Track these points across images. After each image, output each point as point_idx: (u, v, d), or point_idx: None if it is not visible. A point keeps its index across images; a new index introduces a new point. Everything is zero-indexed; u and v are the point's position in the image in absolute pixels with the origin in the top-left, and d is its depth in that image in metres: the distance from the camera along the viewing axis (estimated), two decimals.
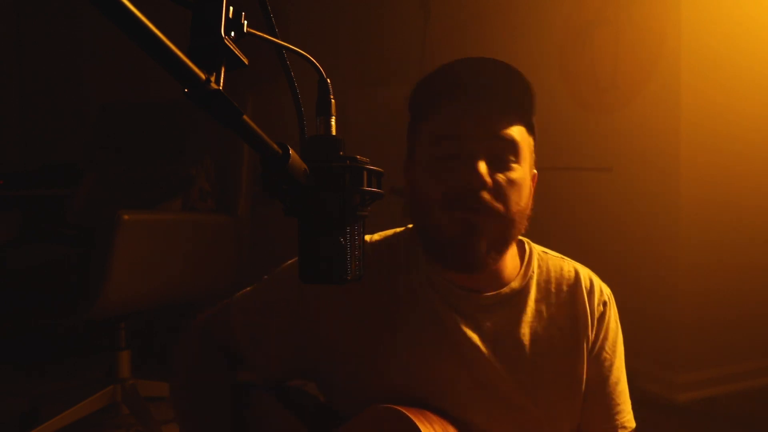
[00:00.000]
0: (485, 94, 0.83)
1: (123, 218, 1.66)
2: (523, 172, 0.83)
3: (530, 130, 0.86)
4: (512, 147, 0.82)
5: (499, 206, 0.81)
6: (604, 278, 0.96)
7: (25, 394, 2.17)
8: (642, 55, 2.06)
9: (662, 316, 2.02)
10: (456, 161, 0.81)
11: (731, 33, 2.03)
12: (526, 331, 0.88)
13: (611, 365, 0.91)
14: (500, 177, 0.81)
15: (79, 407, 1.85)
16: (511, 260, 0.91)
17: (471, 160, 0.80)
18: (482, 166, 0.79)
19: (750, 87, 2.08)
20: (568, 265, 0.94)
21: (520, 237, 0.95)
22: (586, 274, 0.94)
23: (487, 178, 0.79)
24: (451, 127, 0.83)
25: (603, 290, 0.94)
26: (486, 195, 0.80)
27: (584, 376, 0.90)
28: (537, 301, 0.90)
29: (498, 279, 0.89)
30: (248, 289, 0.97)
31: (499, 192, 0.81)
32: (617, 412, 0.91)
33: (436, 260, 0.87)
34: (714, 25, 2.00)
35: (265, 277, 0.96)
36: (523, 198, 0.83)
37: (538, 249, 0.95)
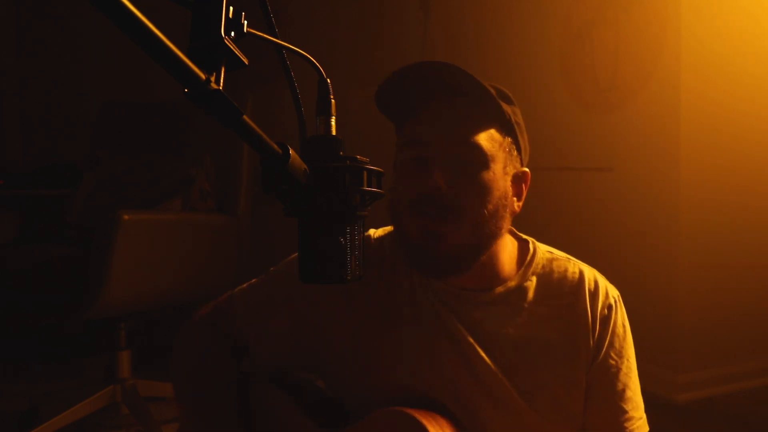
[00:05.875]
0: (447, 100, 0.84)
1: (123, 218, 1.66)
2: (492, 174, 0.82)
3: (504, 130, 0.85)
4: (476, 151, 0.81)
5: (460, 210, 0.80)
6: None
7: (25, 394, 2.17)
8: (642, 55, 2.06)
9: (662, 316, 2.02)
10: (418, 166, 0.82)
11: (731, 33, 2.03)
12: (522, 332, 0.86)
13: (618, 371, 0.87)
14: (462, 181, 0.81)
15: (79, 407, 1.84)
16: (508, 259, 0.89)
17: (429, 166, 0.81)
18: (438, 171, 0.80)
19: (750, 87, 2.08)
20: (573, 267, 0.91)
21: (525, 236, 0.94)
22: (591, 275, 0.90)
23: (441, 183, 0.79)
24: (415, 132, 0.84)
25: (609, 293, 0.90)
26: (443, 200, 0.79)
27: (584, 382, 0.87)
28: (536, 302, 0.88)
29: (494, 278, 0.88)
30: (254, 280, 0.97)
31: (460, 196, 0.80)
32: (625, 420, 0.87)
33: (407, 263, 0.87)
34: (714, 25, 2.00)
35: (272, 269, 0.96)
36: (493, 200, 0.82)
37: (543, 249, 0.93)
